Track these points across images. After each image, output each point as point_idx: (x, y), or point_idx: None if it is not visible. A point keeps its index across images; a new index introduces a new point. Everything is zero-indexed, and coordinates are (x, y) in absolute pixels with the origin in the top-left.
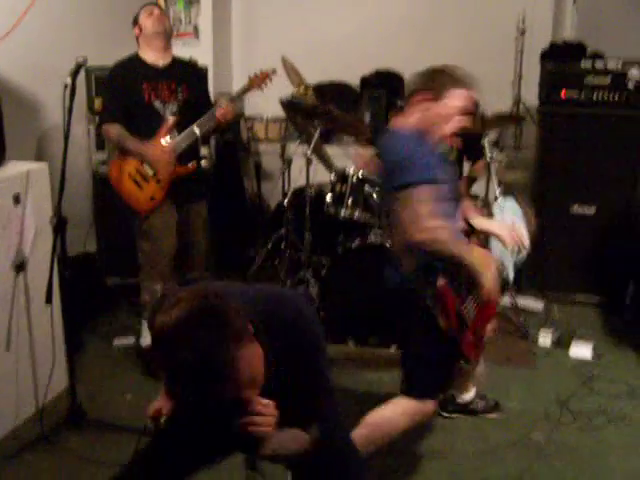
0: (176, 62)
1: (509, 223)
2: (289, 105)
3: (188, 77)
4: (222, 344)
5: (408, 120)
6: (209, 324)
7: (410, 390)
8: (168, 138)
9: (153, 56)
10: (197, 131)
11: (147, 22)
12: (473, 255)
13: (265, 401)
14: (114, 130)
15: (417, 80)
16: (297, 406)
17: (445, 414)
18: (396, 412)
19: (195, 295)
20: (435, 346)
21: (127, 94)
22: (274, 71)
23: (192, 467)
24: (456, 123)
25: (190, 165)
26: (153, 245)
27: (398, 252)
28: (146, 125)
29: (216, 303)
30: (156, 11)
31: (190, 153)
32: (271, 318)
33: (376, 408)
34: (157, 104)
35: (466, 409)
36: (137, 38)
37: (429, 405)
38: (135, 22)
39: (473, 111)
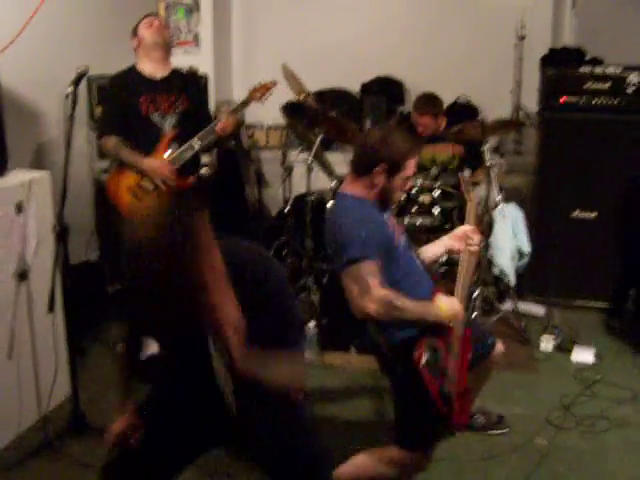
0: (175, 73)
1: (457, 231)
2: (291, 110)
3: (187, 88)
4: (191, 226)
5: (362, 191)
6: (181, 211)
7: (399, 441)
8: (168, 152)
9: (151, 68)
10: (197, 145)
11: (146, 33)
12: (436, 309)
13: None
14: (111, 142)
15: (372, 149)
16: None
17: None
18: (383, 460)
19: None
20: (419, 408)
21: (124, 107)
22: (275, 83)
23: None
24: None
25: (190, 179)
26: None
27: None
28: (145, 138)
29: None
30: (156, 22)
31: (190, 166)
32: (235, 255)
33: (365, 450)
34: (155, 117)
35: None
36: (135, 49)
37: (420, 457)
38: (134, 33)
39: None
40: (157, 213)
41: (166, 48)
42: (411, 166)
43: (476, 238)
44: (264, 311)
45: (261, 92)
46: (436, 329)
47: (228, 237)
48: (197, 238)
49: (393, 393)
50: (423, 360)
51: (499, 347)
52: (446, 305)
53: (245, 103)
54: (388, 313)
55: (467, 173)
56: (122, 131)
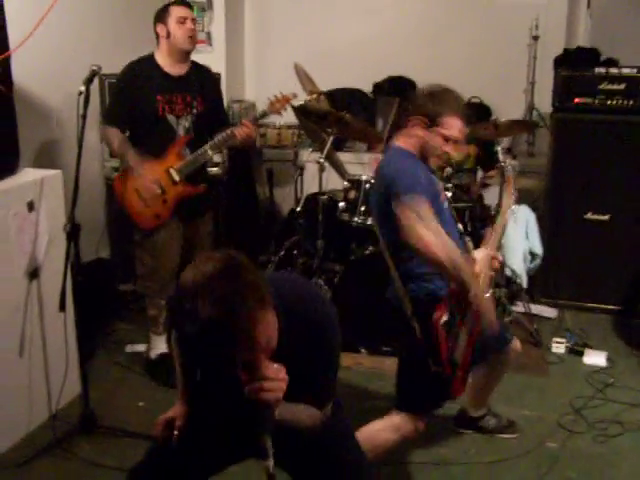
0: (192, 69)
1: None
2: (302, 111)
3: (203, 87)
4: (246, 302)
5: (405, 141)
6: (235, 281)
7: (399, 404)
8: (180, 164)
9: (171, 65)
10: (210, 152)
11: (178, 33)
12: (467, 269)
13: (276, 365)
14: (115, 136)
15: (416, 100)
16: (303, 390)
17: (457, 429)
18: (385, 426)
19: (224, 255)
20: (424, 369)
21: (139, 104)
22: (295, 95)
23: (207, 468)
24: (443, 150)
25: (200, 186)
26: (155, 259)
27: (392, 274)
28: (158, 138)
29: (244, 264)
30: (189, 23)
31: (200, 174)
32: (293, 305)
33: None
34: (170, 118)
35: (477, 425)
36: (158, 38)
37: (418, 421)
38: (161, 19)
39: (461, 140)
40: (213, 281)
41: (192, 51)
42: (453, 125)
43: (497, 263)
44: (308, 369)
45: (281, 104)
46: (457, 297)
47: (291, 284)
48: (252, 311)
49: (400, 353)
50: (442, 320)
51: (516, 345)
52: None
53: (264, 114)
54: (439, 247)
55: (480, 174)
56: (126, 123)
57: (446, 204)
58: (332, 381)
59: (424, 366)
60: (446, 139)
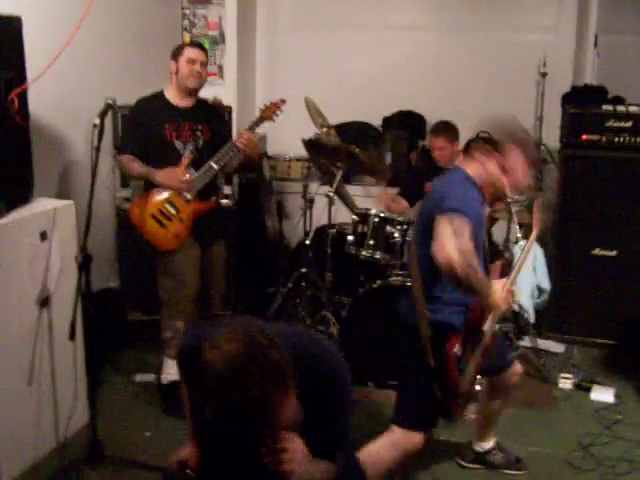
0: (199, 103)
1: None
2: (312, 145)
3: (209, 119)
4: (275, 394)
5: (466, 164)
6: (265, 370)
7: (397, 419)
8: (186, 176)
9: (179, 98)
10: (215, 166)
11: (185, 71)
12: (492, 291)
13: (291, 436)
14: (132, 160)
15: (489, 127)
16: (316, 441)
17: (463, 463)
18: (383, 443)
19: (244, 333)
20: (425, 385)
21: (149, 132)
22: (284, 101)
23: None
24: (500, 179)
25: (212, 200)
26: (177, 282)
27: (416, 294)
28: (166, 162)
29: (268, 346)
30: (198, 65)
31: (210, 189)
32: (304, 356)
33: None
34: (177, 143)
35: (483, 460)
36: (170, 73)
37: (415, 436)
38: (175, 57)
39: (521, 176)
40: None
41: (200, 89)
42: (513, 156)
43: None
44: (321, 423)
45: (272, 110)
46: (471, 329)
47: (303, 339)
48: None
49: (404, 370)
50: (455, 349)
51: (517, 367)
52: (498, 293)
53: (258, 121)
54: (463, 268)
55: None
56: (140, 152)
57: (483, 236)
58: (345, 431)
59: (427, 387)
60: (504, 169)
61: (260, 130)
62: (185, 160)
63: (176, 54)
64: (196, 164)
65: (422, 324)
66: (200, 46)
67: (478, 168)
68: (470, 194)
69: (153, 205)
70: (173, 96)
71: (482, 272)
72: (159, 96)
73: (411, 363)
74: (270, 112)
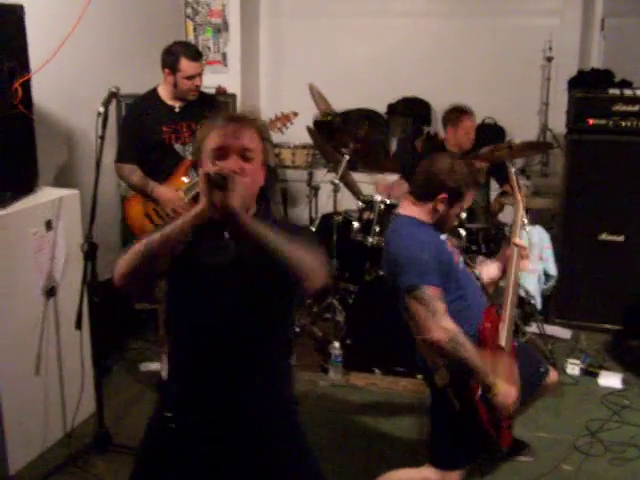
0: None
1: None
2: (318, 130)
3: (206, 114)
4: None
5: (420, 213)
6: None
7: (434, 460)
8: (186, 179)
9: (174, 98)
10: None
11: (184, 87)
12: (493, 377)
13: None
14: (132, 171)
15: (437, 176)
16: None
17: None
18: (417, 478)
19: None
20: (457, 426)
21: (147, 136)
22: (296, 114)
23: None
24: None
25: None
26: None
27: (420, 350)
28: (167, 166)
29: None
30: (197, 80)
31: None
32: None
33: (399, 469)
34: (177, 147)
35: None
36: (165, 76)
37: (453, 476)
38: (170, 68)
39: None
40: None
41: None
42: (470, 197)
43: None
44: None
45: (282, 122)
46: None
47: None
48: None
49: (435, 411)
50: (480, 394)
51: (553, 375)
52: (503, 388)
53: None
54: (453, 346)
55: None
56: (139, 159)
57: (461, 263)
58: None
59: (459, 427)
60: (462, 208)
61: (264, 118)
62: (184, 165)
63: (172, 65)
64: (196, 164)
65: (438, 375)
66: (196, 54)
67: (435, 215)
68: (428, 240)
69: (149, 204)
70: (168, 96)
71: (473, 347)
72: (153, 96)
73: (439, 407)
74: (280, 124)
